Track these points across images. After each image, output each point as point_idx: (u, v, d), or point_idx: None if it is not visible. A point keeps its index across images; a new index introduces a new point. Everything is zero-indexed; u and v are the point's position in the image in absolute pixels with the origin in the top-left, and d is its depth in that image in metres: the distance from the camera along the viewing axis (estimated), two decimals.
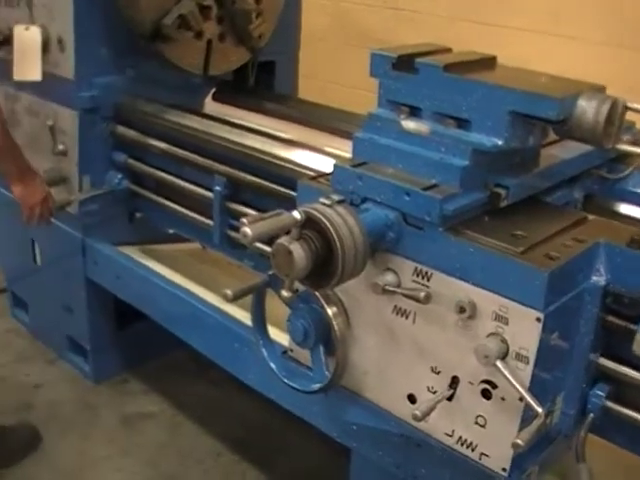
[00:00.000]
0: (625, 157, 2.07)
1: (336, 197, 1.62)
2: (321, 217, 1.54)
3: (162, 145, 2.89)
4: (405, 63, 1.73)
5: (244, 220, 1.51)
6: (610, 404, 1.75)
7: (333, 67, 4.41)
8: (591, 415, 1.76)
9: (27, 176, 2.80)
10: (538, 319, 1.52)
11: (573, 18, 3.58)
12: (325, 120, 2.75)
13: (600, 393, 1.74)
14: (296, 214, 1.52)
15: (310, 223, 1.54)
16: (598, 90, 1.65)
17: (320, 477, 3.06)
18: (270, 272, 1.87)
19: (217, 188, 2.64)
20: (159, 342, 3.39)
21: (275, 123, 2.85)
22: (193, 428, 3.31)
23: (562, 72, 1.77)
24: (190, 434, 3.27)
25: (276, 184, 2.45)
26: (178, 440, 3.24)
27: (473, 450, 1.69)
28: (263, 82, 3.40)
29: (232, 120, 2.86)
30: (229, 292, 1.85)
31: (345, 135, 2.36)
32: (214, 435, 3.26)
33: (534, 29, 3.66)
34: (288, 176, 2.35)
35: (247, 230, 1.48)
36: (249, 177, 2.56)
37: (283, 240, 1.53)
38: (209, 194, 2.69)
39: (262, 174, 2.51)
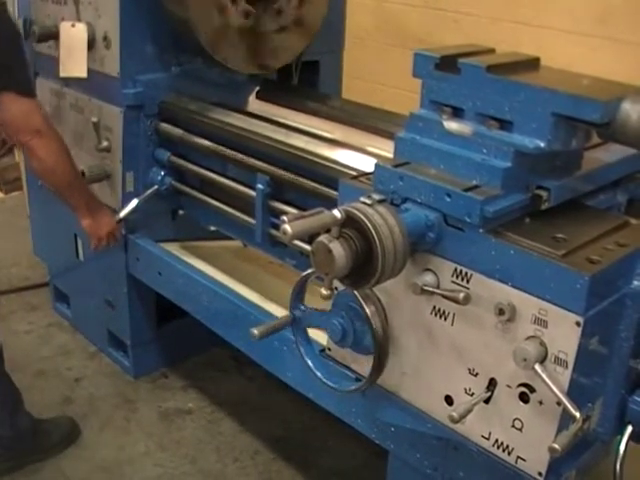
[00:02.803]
0: None
1: (377, 196, 1.62)
2: (361, 216, 1.53)
3: (205, 143, 2.91)
4: (448, 63, 1.72)
5: (284, 218, 1.51)
6: None
7: (377, 67, 4.41)
8: (630, 428, 1.74)
9: (95, 209, 2.88)
10: (578, 323, 1.50)
11: (619, 19, 3.54)
12: (368, 120, 2.74)
13: None
14: (336, 213, 1.52)
15: (350, 222, 1.54)
16: None
17: (356, 478, 3.06)
18: (309, 271, 1.88)
19: (260, 186, 2.65)
20: (198, 339, 3.43)
21: (318, 122, 2.85)
22: (231, 425, 3.33)
23: (607, 75, 1.75)
24: (228, 431, 3.30)
25: (318, 183, 2.45)
26: (216, 437, 3.26)
27: (510, 454, 1.68)
28: (307, 81, 3.41)
29: (275, 119, 2.87)
30: (255, 331, 1.87)
31: (388, 135, 2.36)
32: (252, 433, 3.28)
33: (578, 31, 3.63)
34: (330, 175, 2.35)
35: (287, 227, 1.48)
36: (292, 176, 2.56)
37: (323, 238, 1.53)
38: (252, 192, 2.71)
39: (305, 173, 2.52)
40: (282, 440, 3.24)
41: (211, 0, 2.86)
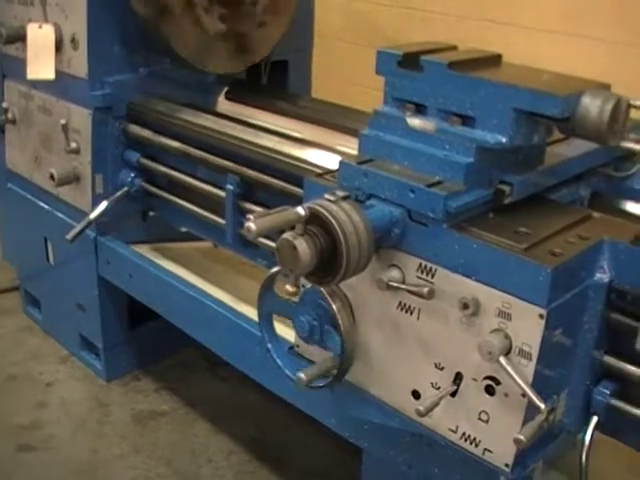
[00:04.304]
0: (632, 155, 2.06)
1: (341, 193, 1.64)
2: (325, 213, 1.55)
3: (175, 144, 2.90)
4: (410, 61, 1.74)
5: (250, 216, 1.52)
6: (615, 402, 1.74)
7: (346, 66, 4.43)
8: (595, 418, 1.76)
9: None
10: (541, 315, 1.52)
11: (585, 16, 3.58)
12: (337, 119, 2.75)
13: (604, 390, 1.73)
14: (300, 210, 1.53)
15: (315, 219, 1.55)
16: (602, 88, 1.65)
17: (331, 477, 3.06)
18: (275, 269, 1.88)
19: (229, 187, 2.64)
20: (171, 341, 3.42)
21: (288, 122, 2.86)
22: (205, 426, 3.32)
23: (574, 71, 1.76)
24: (202, 432, 3.28)
25: (288, 183, 2.46)
26: (190, 438, 3.25)
27: (477, 446, 1.70)
28: (276, 81, 3.42)
29: (245, 119, 2.87)
30: (303, 376, 1.83)
31: (356, 134, 2.37)
32: (226, 434, 3.27)
33: (545, 27, 3.66)
34: (300, 175, 2.34)
35: (251, 225, 1.49)
36: (261, 176, 2.57)
37: (287, 235, 1.54)
38: (222, 193, 2.70)
39: (274, 173, 2.52)
40: (257, 440, 3.24)
41: (185, 16, 2.86)
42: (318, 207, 1.56)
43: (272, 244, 2.39)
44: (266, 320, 2.04)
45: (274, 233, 1.58)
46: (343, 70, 4.45)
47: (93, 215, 3.05)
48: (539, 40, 3.67)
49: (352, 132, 2.56)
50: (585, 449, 1.76)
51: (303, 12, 3.33)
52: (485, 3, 3.90)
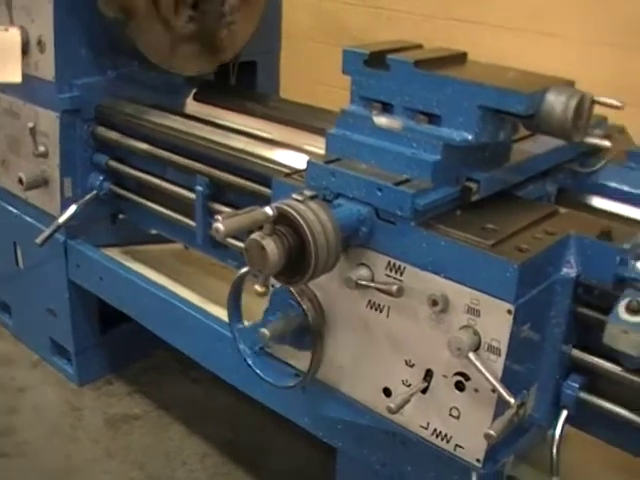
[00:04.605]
0: (597, 151, 2.09)
1: (309, 193, 1.64)
2: (293, 212, 1.55)
3: (143, 146, 2.89)
4: (377, 60, 1.75)
5: (218, 217, 1.52)
6: (584, 395, 1.75)
7: (314, 66, 4.43)
8: (564, 412, 1.78)
9: None
10: (509, 311, 1.53)
11: (551, 14, 3.61)
12: (306, 119, 2.75)
13: (573, 384, 1.74)
14: (268, 210, 1.53)
15: (282, 219, 1.56)
16: (567, 84, 1.67)
17: (306, 477, 3.06)
18: (244, 269, 1.88)
19: (199, 188, 2.64)
20: (143, 343, 3.41)
21: (256, 123, 2.86)
22: (179, 429, 3.31)
23: (541, 69, 1.78)
24: (176, 435, 3.27)
25: (257, 183, 2.46)
26: (164, 441, 3.24)
27: (448, 442, 1.70)
28: (245, 82, 3.41)
29: (213, 120, 2.87)
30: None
31: (324, 133, 2.37)
32: (200, 436, 3.26)
33: (512, 26, 3.69)
34: (269, 175, 2.35)
35: (219, 225, 1.49)
36: (230, 177, 2.56)
37: (256, 235, 1.54)
38: (191, 194, 2.69)
39: (243, 174, 2.52)
40: (231, 442, 3.24)
41: (152, 19, 2.85)
42: (286, 207, 1.56)
43: (242, 245, 2.39)
44: (236, 321, 2.04)
45: (243, 234, 1.58)
46: (311, 70, 4.45)
47: (62, 219, 3.03)
48: (506, 38, 3.70)
49: (320, 132, 2.56)
50: (555, 443, 1.77)
51: (271, 13, 3.33)
52: (451, 2, 3.93)
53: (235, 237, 2.03)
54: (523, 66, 1.80)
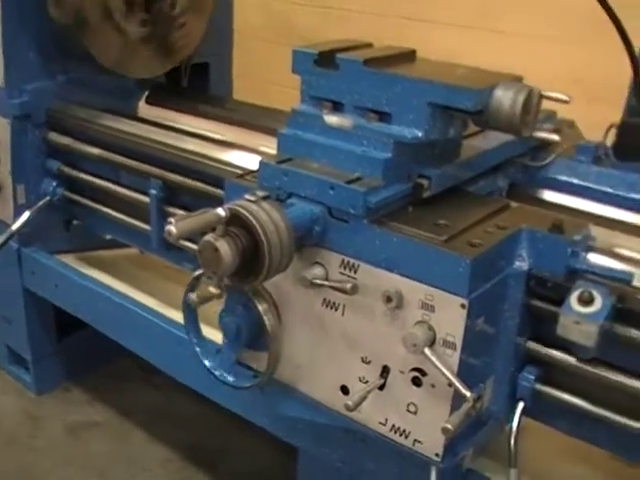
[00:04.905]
0: (547, 145, 2.11)
1: (261, 193, 1.64)
2: (246, 213, 1.55)
3: (95, 150, 2.86)
4: (326, 59, 1.75)
5: (170, 219, 1.51)
6: (540, 387, 1.78)
7: (266, 66, 4.43)
8: (521, 404, 1.79)
9: None
10: (463, 305, 1.54)
11: (499, 11, 3.65)
12: (258, 119, 2.74)
13: (529, 376, 1.76)
14: (220, 211, 1.53)
15: (235, 220, 1.56)
16: (515, 80, 1.68)
17: (267, 478, 3.06)
18: (198, 271, 1.87)
19: (153, 192, 2.62)
20: (102, 350, 3.37)
21: (209, 125, 2.84)
22: (141, 435, 3.28)
23: (491, 66, 1.79)
24: (138, 442, 3.25)
25: (211, 185, 2.44)
26: (125, 448, 3.21)
27: (407, 437, 1.71)
28: (197, 84, 3.40)
29: (166, 123, 2.85)
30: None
31: (276, 133, 2.38)
32: (162, 442, 3.24)
33: (461, 23, 3.72)
34: (222, 177, 2.34)
35: (171, 228, 1.49)
36: (184, 179, 2.55)
37: (209, 237, 1.54)
38: (145, 198, 2.68)
39: (197, 176, 2.50)
40: (193, 447, 3.22)
41: (104, 24, 2.83)
42: (238, 208, 1.56)
43: (196, 247, 2.38)
44: (192, 323, 2.03)
45: (197, 236, 1.58)
46: (263, 69, 4.45)
47: (15, 226, 3.00)
48: (456, 36, 3.73)
49: (273, 132, 2.55)
50: (513, 434, 1.79)
51: (222, 13, 3.32)
52: (401, 0, 3.95)
53: (190, 239, 2.03)
54: (473, 63, 1.81)
